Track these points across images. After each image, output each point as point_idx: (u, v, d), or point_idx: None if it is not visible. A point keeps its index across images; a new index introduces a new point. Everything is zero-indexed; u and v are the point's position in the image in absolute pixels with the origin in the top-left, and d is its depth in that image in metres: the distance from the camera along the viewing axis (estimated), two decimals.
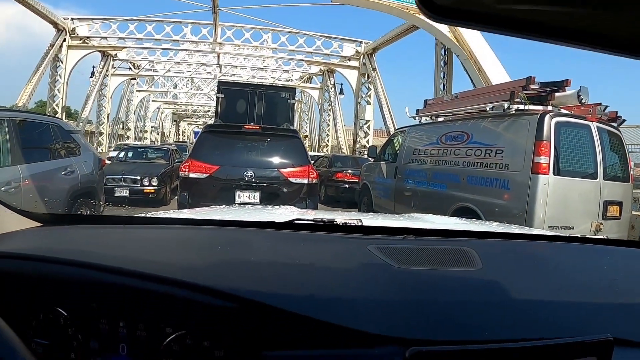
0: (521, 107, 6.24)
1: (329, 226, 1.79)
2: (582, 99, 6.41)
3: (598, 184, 5.97)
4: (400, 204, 8.43)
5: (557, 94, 6.38)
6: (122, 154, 14.40)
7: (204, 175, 6.93)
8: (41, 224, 1.51)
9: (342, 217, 1.95)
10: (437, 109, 8.59)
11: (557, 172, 5.75)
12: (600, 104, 6.53)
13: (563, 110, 6.31)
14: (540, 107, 6.19)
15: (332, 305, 1.10)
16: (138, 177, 11.15)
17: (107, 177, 10.51)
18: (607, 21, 0.68)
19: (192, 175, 6.95)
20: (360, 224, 1.80)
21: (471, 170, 6.75)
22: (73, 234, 1.52)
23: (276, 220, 1.94)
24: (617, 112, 6.49)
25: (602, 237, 4.29)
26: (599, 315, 1.19)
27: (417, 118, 9.12)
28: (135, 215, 2.13)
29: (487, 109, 6.74)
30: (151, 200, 11.02)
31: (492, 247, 1.66)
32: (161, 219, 2.00)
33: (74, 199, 6.47)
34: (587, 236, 2.57)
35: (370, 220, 2.14)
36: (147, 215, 2.13)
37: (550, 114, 5.90)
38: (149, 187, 11.12)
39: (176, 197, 7.98)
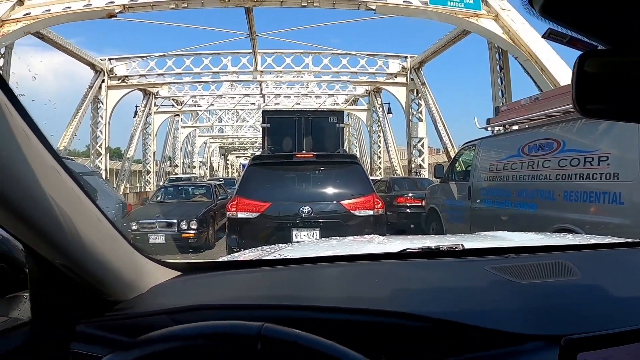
0: None
1: (435, 252, 1.85)
2: None
3: None
4: (479, 228, 7.17)
5: None
6: (159, 194, 13.14)
7: (255, 215, 6.20)
8: (180, 273, 1.51)
9: (444, 242, 2.07)
10: (514, 115, 7.46)
11: None
12: None
13: None
14: None
15: (490, 315, 1.20)
16: (175, 221, 9.84)
17: (140, 222, 9.74)
18: None
19: (240, 215, 6.24)
20: (462, 248, 1.85)
21: (568, 184, 5.66)
22: (222, 280, 1.51)
23: (387, 251, 2.05)
24: None
25: None
26: None
27: (489, 129, 8.08)
28: (264, 258, 2.15)
29: None
30: (192, 246, 9.81)
31: (585, 258, 1.77)
32: (288, 260, 2.05)
33: None
34: None
35: (468, 243, 2.23)
36: (266, 258, 2.19)
37: None
38: (188, 232, 9.81)
39: (221, 239, 7.16)
